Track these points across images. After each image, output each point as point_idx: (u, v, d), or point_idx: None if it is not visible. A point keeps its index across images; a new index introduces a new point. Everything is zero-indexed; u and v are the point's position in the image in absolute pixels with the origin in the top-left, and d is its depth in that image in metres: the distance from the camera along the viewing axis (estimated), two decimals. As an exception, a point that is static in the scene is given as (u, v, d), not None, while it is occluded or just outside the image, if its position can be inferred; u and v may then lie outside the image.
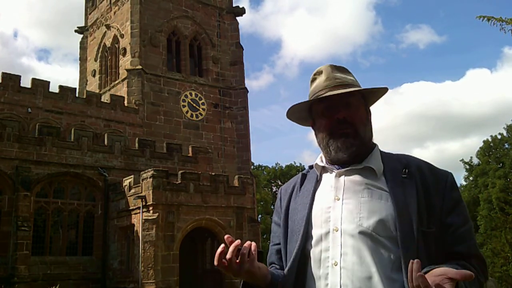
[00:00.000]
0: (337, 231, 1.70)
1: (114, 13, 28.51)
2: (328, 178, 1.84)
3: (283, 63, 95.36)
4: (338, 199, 1.75)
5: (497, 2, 74.06)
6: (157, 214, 17.26)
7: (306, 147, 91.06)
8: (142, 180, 17.91)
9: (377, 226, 1.66)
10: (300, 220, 1.80)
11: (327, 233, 1.72)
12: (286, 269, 1.78)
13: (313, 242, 1.75)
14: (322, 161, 1.89)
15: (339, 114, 1.79)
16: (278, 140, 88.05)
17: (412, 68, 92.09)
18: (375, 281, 1.61)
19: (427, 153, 71.86)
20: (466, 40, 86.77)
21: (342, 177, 1.80)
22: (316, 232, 1.75)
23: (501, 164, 39.23)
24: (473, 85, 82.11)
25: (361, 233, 1.66)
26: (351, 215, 1.70)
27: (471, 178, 42.22)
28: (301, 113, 1.94)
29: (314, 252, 1.74)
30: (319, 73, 1.88)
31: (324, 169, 1.88)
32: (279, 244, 1.90)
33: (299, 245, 1.76)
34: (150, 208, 17.42)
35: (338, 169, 1.81)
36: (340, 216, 1.71)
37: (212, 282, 19.18)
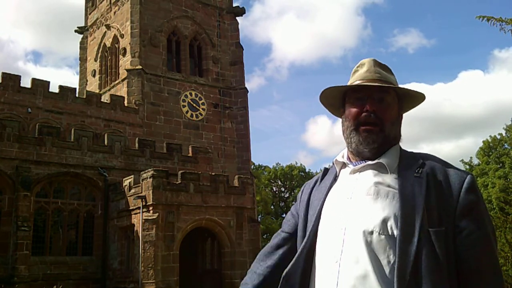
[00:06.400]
0: (342, 229, 1.71)
1: (114, 13, 28.51)
2: (345, 174, 1.86)
3: (273, 66, 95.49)
4: (349, 198, 1.75)
5: (488, 3, 74.31)
6: (157, 214, 17.26)
7: (301, 147, 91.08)
8: (142, 180, 17.91)
9: (379, 225, 1.64)
10: (312, 215, 1.82)
11: (334, 230, 1.73)
12: (291, 264, 1.79)
13: (320, 238, 1.77)
14: (343, 156, 1.89)
15: (370, 107, 1.79)
16: (274, 141, 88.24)
17: (404, 71, 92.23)
18: (371, 280, 1.59)
19: (421, 154, 71.80)
20: (456, 43, 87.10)
21: (356, 174, 1.80)
22: (323, 229, 1.77)
23: (501, 164, 39.24)
24: (466, 87, 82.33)
25: (362, 231, 1.65)
26: (356, 213, 1.70)
27: (471, 178, 42.22)
28: (333, 100, 1.94)
29: (319, 249, 1.76)
30: (362, 65, 1.89)
31: (344, 165, 1.89)
32: (287, 233, 1.93)
33: (306, 240, 1.78)
34: (150, 208, 17.42)
35: (354, 166, 1.82)
36: (346, 214, 1.72)
37: (212, 282, 19.18)
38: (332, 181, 1.87)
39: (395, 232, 1.61)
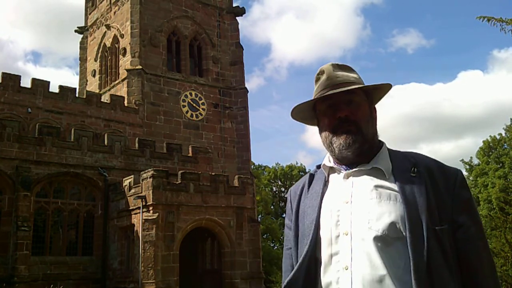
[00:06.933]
0: (347, 234, 1.70)
1: (114, 13, 28.51)
2: (336, 179, 1.84)
3: (273, 67, 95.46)
4: (347, 202, 1.74)
5: (489, 3, 74.34)
6: (157, 214, 17.26)
7: (300, 147, 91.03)
8: (142, 180, 17.91)
9: (387, 228, 1.65)
10: (309, 223, 1.79)
11: (337, 236, 1.71)
12: (292, 273, 1.76)
13: (323, 246, 1.75)
14: (329, 161, 1.88)
15: (341, 113, 1.79)
16: (274, 141, 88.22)
17: (403, 71, 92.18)
18: (387, 284, 1.60)
19: (420, 154, 71.79)
20: (456, 43, 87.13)
21: (350, 178, 1.79)
22: (325, 236, 1.74)
23: (500, 164, 39.27)
24: (466, 87, 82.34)
25: (372, 236, 1.65)
26: (360, 218, 1.69)
27: (471, 178, 42.25)
28: (306, 113, 1.94)
29: (324, 256, 1.74)
30: (322, 72, 1.88)
31: (332, 170, 1.87)
32: (291, 248, 1.89)
33: (307, 249, 1.76)
34: (150, 208, 17.42)
35: (346, 170, 1.81)
36: (349, 219, 1.71)
37: (212, 282, 19.18)
38: (323, 187, 1.84)
39: (404, 234, 1.63)
